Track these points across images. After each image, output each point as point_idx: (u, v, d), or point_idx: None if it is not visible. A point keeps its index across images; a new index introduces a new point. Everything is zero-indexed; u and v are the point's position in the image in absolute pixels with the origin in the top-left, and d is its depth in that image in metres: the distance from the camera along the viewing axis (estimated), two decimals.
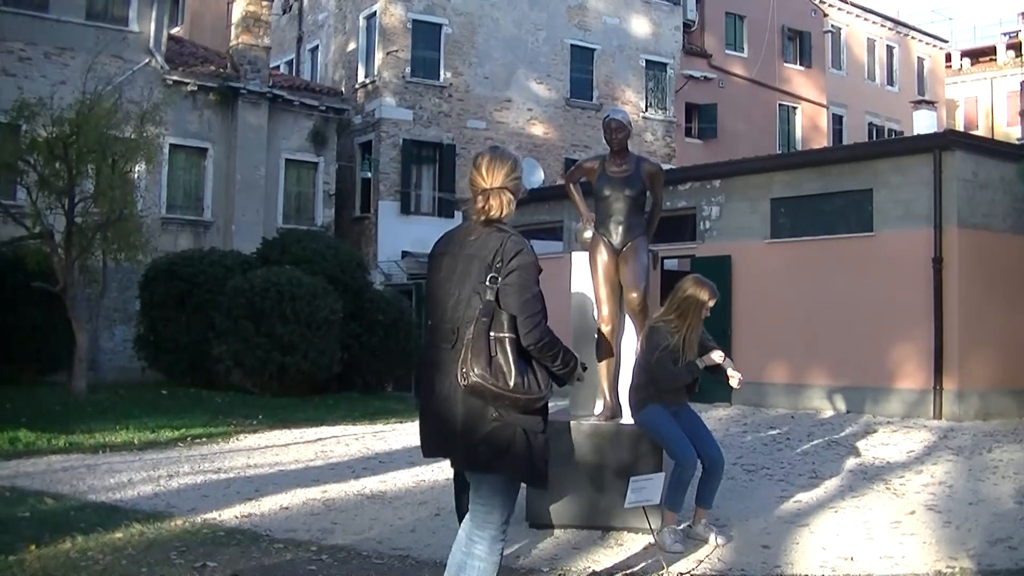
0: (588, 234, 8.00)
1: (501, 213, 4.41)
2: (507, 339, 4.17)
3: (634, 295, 7.63)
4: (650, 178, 7.84)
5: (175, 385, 19.18)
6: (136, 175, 19.00)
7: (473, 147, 30.62)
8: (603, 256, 7.77)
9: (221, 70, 26.82)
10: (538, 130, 32.02)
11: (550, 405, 4.63)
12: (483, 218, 4.42)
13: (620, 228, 7.73)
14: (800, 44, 39.69)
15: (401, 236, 28.88)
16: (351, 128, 29.93)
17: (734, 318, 18.36)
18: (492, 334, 4.19)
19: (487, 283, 4.25)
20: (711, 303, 6.92)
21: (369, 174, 29.38)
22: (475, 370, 4.13)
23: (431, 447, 4.41)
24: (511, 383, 4.13)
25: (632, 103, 33.89)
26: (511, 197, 4.43)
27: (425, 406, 4.45)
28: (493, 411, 4.20)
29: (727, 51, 37.46)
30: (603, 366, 7.76)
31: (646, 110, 34.39)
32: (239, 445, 12.57)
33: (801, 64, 39.59)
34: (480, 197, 4.45)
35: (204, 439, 12.92)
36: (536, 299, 4.31)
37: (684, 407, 7.08)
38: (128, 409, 15.21)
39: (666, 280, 18.26)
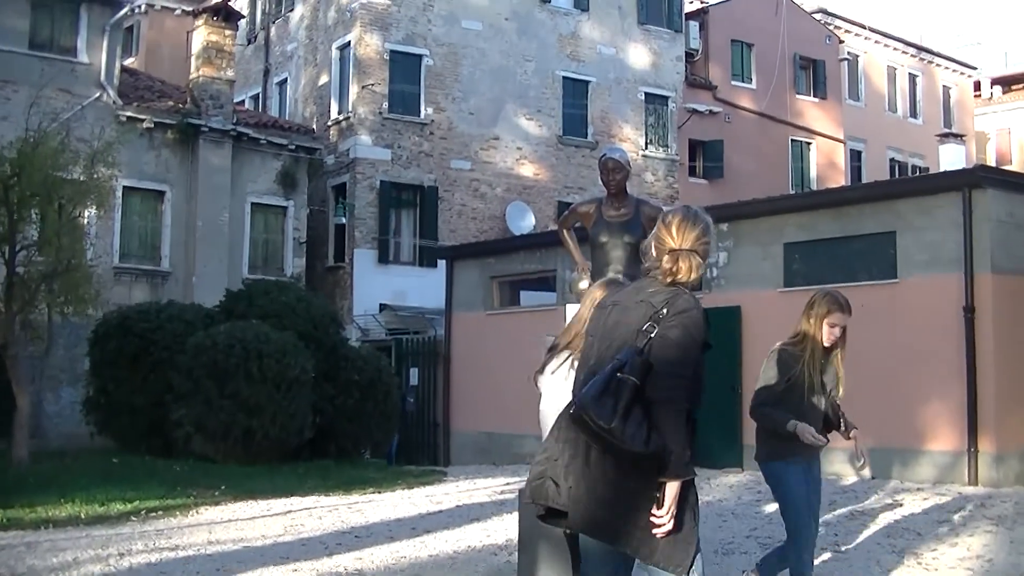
0: (584, 284, 8.04)
1: (689, 276, 4.50)
2: (629, 382, 4.22)
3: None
4: (651, 222, 7.83)
5: (128, 452, 19.07)
6: (86, 221, 19.03)
7: (457, 189, 30.83)
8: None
9: (180, 105, 26.99)
10: (528, 170, 32.22)
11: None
12: (669, 280, 4.50)
13: (619, 278, 7.74)
14: (814, 74, 40.11)
15: (379, 287, 28.93)
16: (324, 169, 30.13)
17: (744, 374, 18.37)
18: (619, 374, 4.20)
19: (644, 329, 4.34)
20: (833, 321, 6.57)
21: (344, 219, 29.51)
22: (585, 403, 4.22)
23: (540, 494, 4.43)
24: (612, 425, 4.13)
25: (631, 140, 34.17)
26: (700, 261, 4.53)
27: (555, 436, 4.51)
28: (602, 458, 4.28)
29: (734, 82, 37.84)
30: None
31: (646, 148, 34.68)
32: (200, 519, 12.49)
33: (815, 95, 39.99)
34: (668, 258, 4.56)
35: (160, 512, 12.83)
36: (684, 361, 4.33)
37: (815, 461, 6.70)
38: (75, 480, 15.11)
39: None
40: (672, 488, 4.20)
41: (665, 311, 4.38)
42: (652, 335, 4.33)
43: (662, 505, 4.18)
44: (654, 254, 4.61)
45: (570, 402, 4.41)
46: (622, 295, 4.67)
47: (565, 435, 4.38)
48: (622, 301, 4.60)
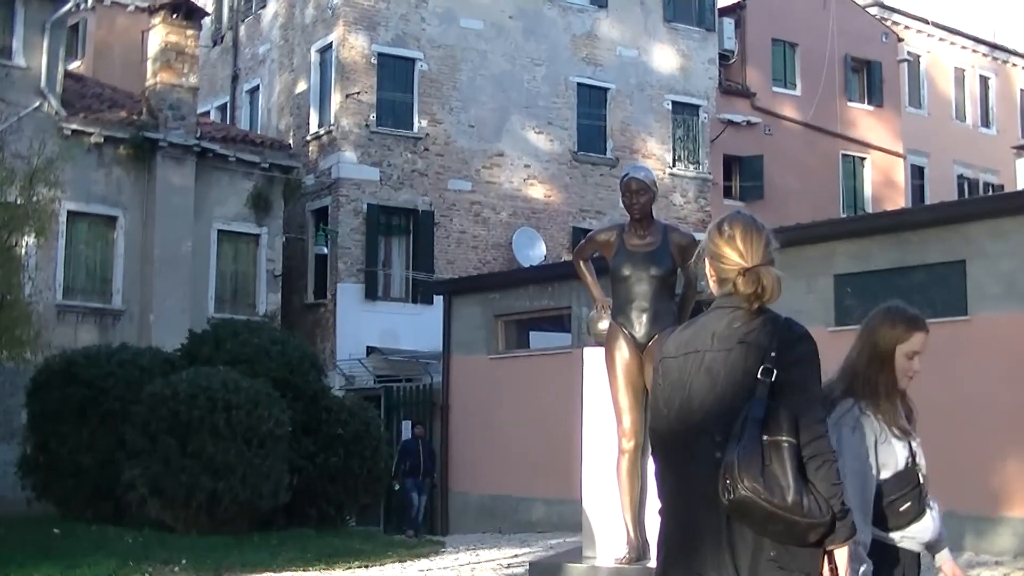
0: (604, 325, 8.09)
1: (775, 295, 4.41)
2: (785, 444, 4.17)
3: None
4: (681, 252, 7.94)
5: (72, 521, 19.04)
6: (23, 251, 19.08)
7: (456, 214, 30.95)
8: (623, 353, 7.83)
9: (134, 116, 27.14)
10: (538, 192, 32.36)
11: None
12: (756, 305, 4.43)
13: (644, 317, 7.84)
14: (868, 77, 40.22)
15: (366, 327, 29.03)
16: (302, 191, 30.31)
17: None
18: (766, 437, 4.20)
19: (761, 376, 4.27)
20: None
21: (325, 249, 29.64)
22: (744, 481, 4.09)
23: None
24: (789, 500, 4.11)
25: (656, 156, 34.33)
26: (780, 274, 4.43)
27: (667, 546, 4.41)
28: (770, 548, 4.18)
29: (775, 88, 37.99)
30: (625, 493, 7.76)
31: (674, 165, 34.83)
32: None
33: (870, 103, 40.11)
34: (745, 279, 4.42)
35: None
36: (820, 402, 4.32)
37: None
38: (8, 555, 15.07)
39: None
40: (843, 555, 4.21)
41: (775, 348, 4.32)
42: (772, 380, 4.25)
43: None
44: (716, 278, 4.51)
45: (683, 478, 4.33)
46: (698, 338, 4.50)
47: (689, 516, 4.29)
48: (702, 345, 4.46)
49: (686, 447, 4.34)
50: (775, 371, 4.23)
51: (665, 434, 4.44)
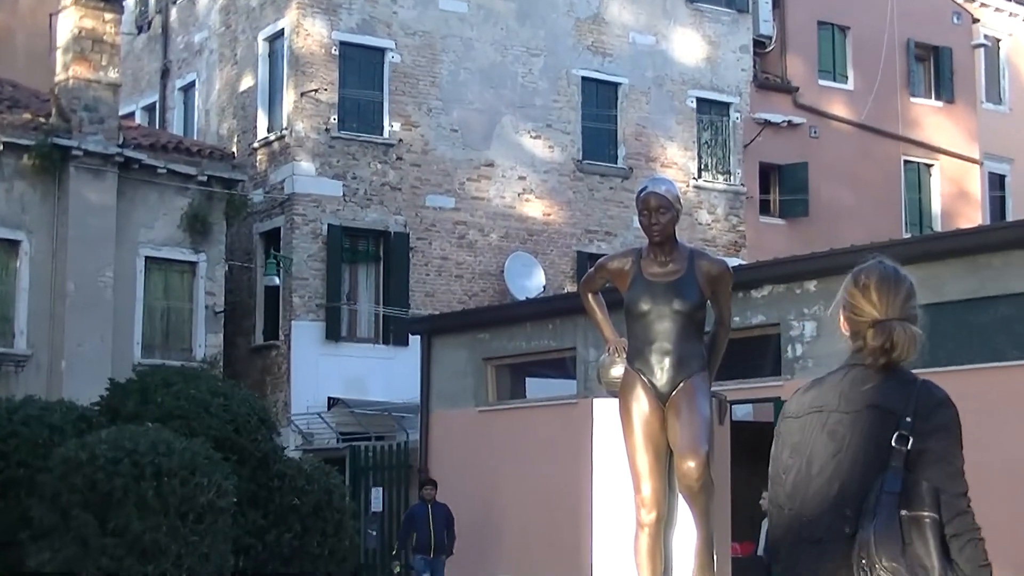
0: (617, 371, 8.13)
1: (909, 353, 4.61)
2: (927, 520, 4.35)
3: (691, 464, 7.71)
4: (711, 282, 8.01)
5: None
6: None
7: (436, 236, 30.97)
8: (641, 404, 7.88)
9: (41, 119, 27.16)
10: (535, 209, 32.44)
11: None
12: (883, 360, 4.57)
13: (667, 361, 7.88)
14: (936, 67, 40.24)
15: (327, 375, 29.04)
16: (248, 209, 30.34)
17: None
18: (904, 512, 4.32)
19: (895, 443, 4.44)
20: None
21: (277, 280, 29.63)
22: (882, 561, 4.27)
23: None
24: None
25: (678, 165, 34.44)
26: (917, 331, 4.66)
27: None
28: None
29: (822, 81, 38.08)
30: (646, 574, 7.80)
31: (699, 175, 34.92)
32: None
33: (938, 98, 40.16)
34: (875, 332, 4.61)
35: None
36: (963, 474, 4.48)
37: None
38: None
39: (739, 438, 18.29)
40: None
41: (911, 413, 4.49)
42: (908, 449, 4.43)
43: None
44: (849, 331, 4.70)
45: (808, 557, 4.47)
46: (823, 397, 4.69)
47: None
48: (826, 405, 4.66)
49: (811, 522, 4.51)
50: (911, 439, 4.42)
51: (784, 506, 4.60)
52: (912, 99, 39.53)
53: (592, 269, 8.48)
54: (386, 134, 30.94)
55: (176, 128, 34.00)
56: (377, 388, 29.01)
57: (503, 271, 31.31)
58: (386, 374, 28.83)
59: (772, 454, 4.81)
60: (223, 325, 29.02)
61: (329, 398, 28.91)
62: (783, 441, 4.71)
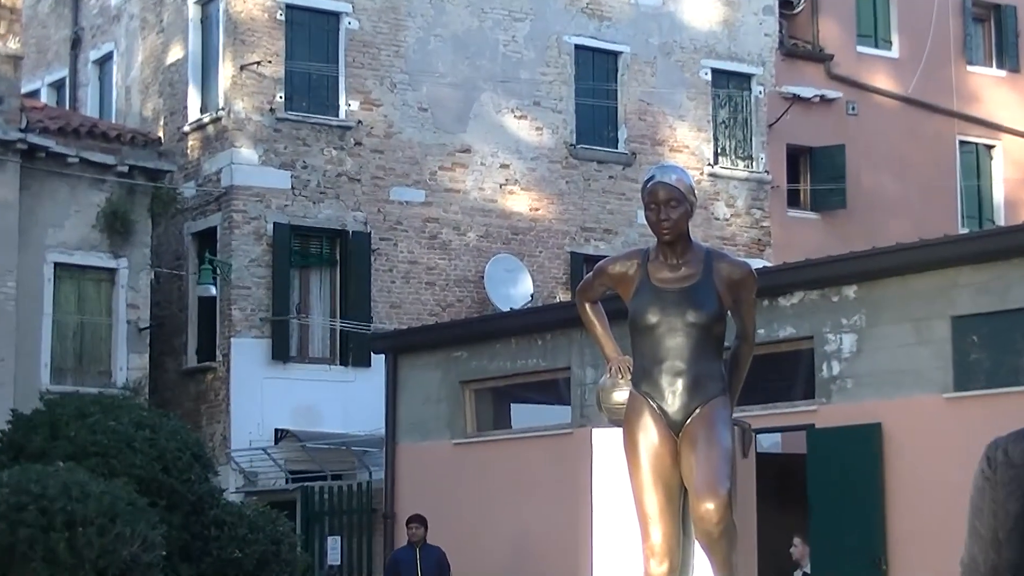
0: (621, 395, 8.11)
1: None
2: None
3: (710, 506, 7.66)
4: (731, 288, 8.00)
5: None
6: None
7: (403, 236, 30.97)
8: (650, 435, 7.87)
9: None
10: (520, 203, 32.46)
11: None
12: None
13: (680, 383, 7.86)
14: (997, 29, 40.20)
15: (274, 402, 29.00)
16: (178, 205, 30.33)
17: (889, 530, 18.52)
18: None
19: None
20: None
21: (213, 289, 29.55)
22: None
23: None
24: None
25: (690, 149, 34.51)
26: None
27: None
28: None
29: (861, 48, 38.08)
30: None
31: (715, 161, 34.98)
32: None
33: (1000, 66, 40.16)
34: None
35: None
36: None
37: None
38: None
39: (766, 473, 18.36)
40: None
41: None
42: None
43: None
44: None
45: None
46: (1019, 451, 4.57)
47: None
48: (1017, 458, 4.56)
49: None
50: None
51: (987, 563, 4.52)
52: (969, 68, 39.48)
53: (590, 274, 8.44)
54: (342, 115, 30.97)
55: (90, 109, 33.92)
56: (333, 418, 29.00)
57: (483, 277, 31.32)
58: (344, 401, 28.82)
59: (976, 504, 4.62)
60: (149, 344, 28.98)
61: (276, 430, 28.91)
62: (1009, 492, 4.52)
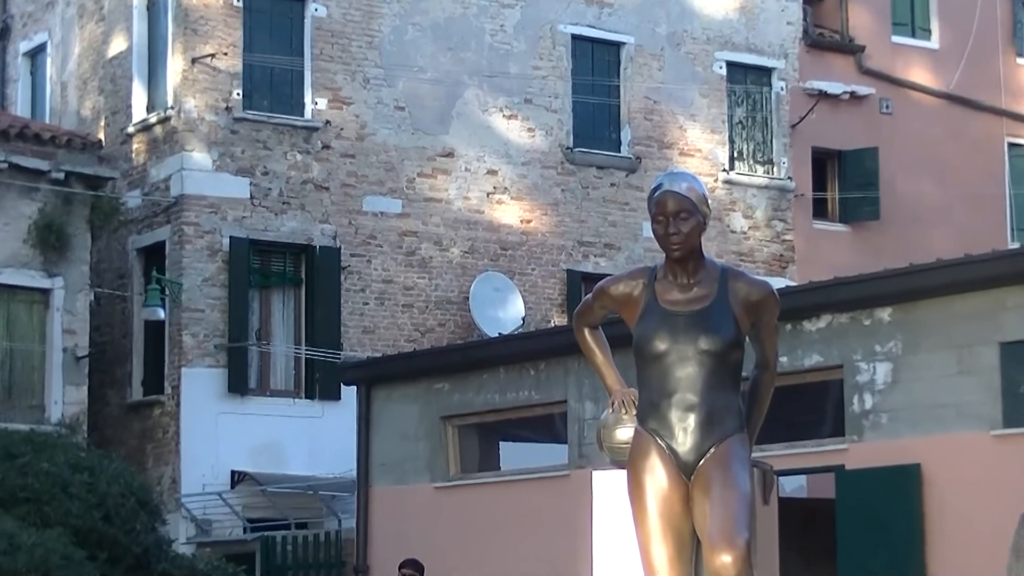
0: (625, 433, 8.11)
1: None
2: None
3: (726, 558, 7.60)
4: (750, 310, 7.96)
5: None
6: None
7: (377, 252, 30.98)
8: (658, 478, 7.83)
9: None
10: (510, 214, 32.48)
11: None
12: None
13: (692, 419, 7.81)
14: None
15: (230, 440, 28.94)
16: (121, 217, 30.27)
17: None
18: None
19: None
20: None
21: (162, 313, 29.53)
22: None
23: None
24: None
25: (703, 153, 34.56)
26: None
27: None
28: None
29: (896, 38, 38.13)
30: None
31: (732, 167, 35.01)
32: None
33: None
34: None
35: None
36: None
37: None
38: None
39: (789, 520, 18.31)
40: None
41: None
42: None
43: None
44: None
45: None
46: None
47: None
48: None
49: None
50: None
51: None
52: (1019, 60, 39.60)
53: (590, 296, 8.35)
54: (308, 114, 30.99)
55: (20, 108, 33.97)
56: (298, 458, 28.99)
57: (468, 298, 31.32)
58: (310, 439, 28.82)
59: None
60: (87, 375, 28.91)
61: (233, 472, 28.86)
62: None
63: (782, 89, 35.64)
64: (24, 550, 18.42)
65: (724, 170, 34.60)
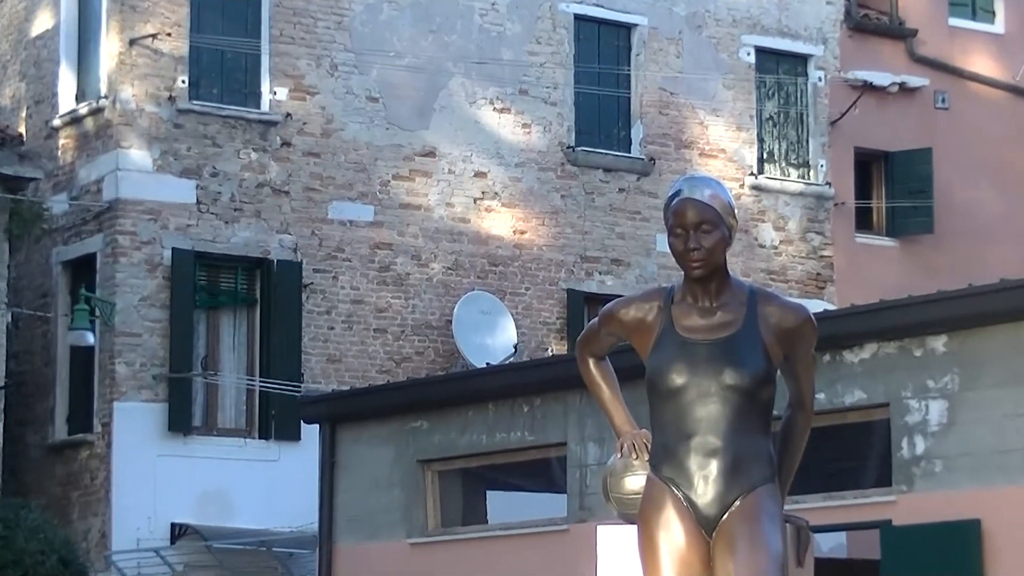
0: (635, 481, 8.05)
1: None
2: None
3: None
4: (782, 339, 7.79)
5: None
6: None
7: (344, 267, 31.10)
8: (674, 534, 7.67)
9: None
10: (502, 223, 32.58)
11: None
12: None
13: (714, 465, 7.65)
14: None
15: (170, 488, 28.98)
16: (45, 225, 30.31)
17: None
18: None
19: None
20: None
21: (92, 337, 29.52)
22: None
23: None
24: None
25: (728, 155, 34.65)
26: None
27: None
28: None
29: (954, 20, 38.34)
30: None
31: (760, 170, 35.12)
32: None
33: None
34: None
35: None
36: None
37: None
38: None
39: None
40: None
41: None
42: None
43: None
44: None
45: None
46: None
47: None
48: None
49: None
50: None
51: None
52: None
53: (595, 320, 8.21)
54: (265, 106, 31.09)
55: None
56: (249, 509, 29.03)
57: (451, 322, 31.39)
58: (264, 487, 28.90)
59: None
60: (3, 410, 28.90)
61: (173, 525, 28.90)
62: None
63: (820, 80, 35.81)
64: None
65: (752, 174, 34.75)
